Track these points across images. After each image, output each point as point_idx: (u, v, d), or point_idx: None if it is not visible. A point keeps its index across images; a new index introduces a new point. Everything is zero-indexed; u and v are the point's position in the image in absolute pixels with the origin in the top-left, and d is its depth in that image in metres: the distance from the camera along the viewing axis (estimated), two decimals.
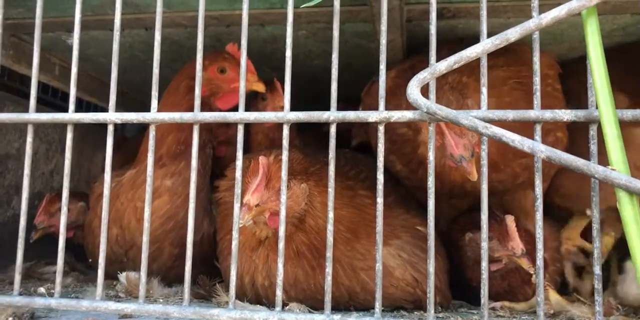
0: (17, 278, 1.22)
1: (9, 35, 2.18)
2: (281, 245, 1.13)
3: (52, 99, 2.78)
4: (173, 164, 1.95)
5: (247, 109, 1.21)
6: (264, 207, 1.43)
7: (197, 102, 1.20)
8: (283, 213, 1.14)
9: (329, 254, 1.12)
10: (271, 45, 2.25)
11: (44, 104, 2.67)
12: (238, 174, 1.17)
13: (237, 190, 1.17)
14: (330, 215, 1.13)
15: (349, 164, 1.94)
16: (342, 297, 1.59)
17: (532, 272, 1.66)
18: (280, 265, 1.13)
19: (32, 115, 1.27)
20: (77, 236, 2.44)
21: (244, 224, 1.35)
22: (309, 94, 2.52)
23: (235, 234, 1.16)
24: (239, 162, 1.17)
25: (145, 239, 1.19)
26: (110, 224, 1.84)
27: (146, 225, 1.20)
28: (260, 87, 2.06)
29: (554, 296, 1.72)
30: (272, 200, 1.44)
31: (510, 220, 1.67)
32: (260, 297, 1.59)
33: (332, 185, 1.13)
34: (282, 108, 2.20)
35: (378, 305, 1.10)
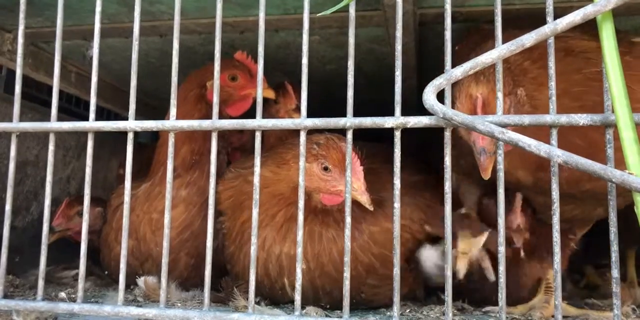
0: (41, 284, 1.25)
1: (28, 44, 2.22)
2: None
3: (67, 105, 2.81)
4: (187, 173, 1.98)
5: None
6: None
7: (216, 110, 1.22)
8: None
9: (347, 258, 1.13)
10: (284, 50, 2.27)
11: (60, 111, 2.71)
12: (256, 180, 1.19)
13: (256, 195, 1.18)
14: (348, 220, 1.14)
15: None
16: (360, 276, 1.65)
17: (519, 246, 1.74)
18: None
19: (54, 124, 1.29)
20: (93, 241, 2.47)
21: None
22: (322, 99, 2.53)
23: (253, 239, 1.18)
24: (257, 169, 1.19)
25: (165, 244, 1.20)
26: None
27: (166, 231, 1.21)
28: (270, 94, 2.11)
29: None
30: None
31: (518, 197, 1.73)
32: (282, 270, 1.63)
33: (349, 190, 1.15)
34: (294, 110, 2.24)
35: (397, 300, 1.11)
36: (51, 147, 1.28)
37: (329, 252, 1.62)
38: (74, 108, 2.85)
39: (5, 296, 1.28)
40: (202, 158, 2.00)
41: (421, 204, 1.86)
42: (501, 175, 1.09)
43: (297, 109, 2.22)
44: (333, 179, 1.60)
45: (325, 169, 1.60)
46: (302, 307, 1.53)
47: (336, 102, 2.31)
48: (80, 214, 2.36)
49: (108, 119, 3.07)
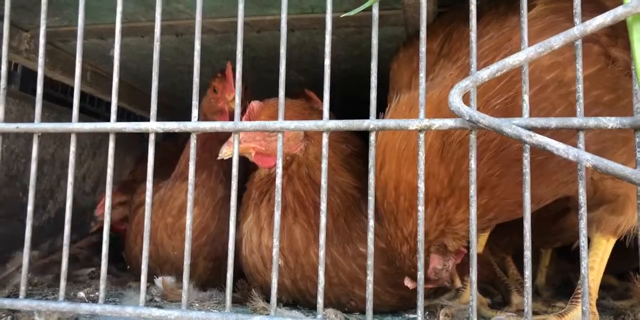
0: (63, 284, 1.25)
1: (45, 42, 2.22)
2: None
3: (82, 103, 2.81)
4: (195, 175, 1.96)
5: None
6: (246, 145, 1.59)
7: (237, 111, 1.22)
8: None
9: (370, 261, 1.12)
10: (299, 49, 2.27)
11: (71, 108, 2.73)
12: (278, 181, 1.18)
13: (278, 197, 1.18)
14: (371, 223, 1.13)
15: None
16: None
17: None
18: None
19: (76, 125, 1.29)
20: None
21: (221, 157, 1.54)
22: (337, 98, 2.52)
23: (275, 242, 1.17)
24: (279, 170, 1.18)
25: (187, 246, 1.20)
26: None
27: (188, 233, 1.21)
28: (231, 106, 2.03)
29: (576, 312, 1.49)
30: (256, 139, 1.60)
31: None
32: (265, 261, 1.63)
33: (372, 194, 1.14)
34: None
35: (420, 304, 1.10)
36: (72, 148, 1.28)
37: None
38: (87, 106, 2.86)
39: (26, 296, 1.29)
40: (208, 160, 1.99)
41: None
42: (527, 178, 1.07)
43: None
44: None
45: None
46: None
47: (350, 101, 2.30)
48: (121, 204, 2.43)
49: (122, 117, 3.08)
